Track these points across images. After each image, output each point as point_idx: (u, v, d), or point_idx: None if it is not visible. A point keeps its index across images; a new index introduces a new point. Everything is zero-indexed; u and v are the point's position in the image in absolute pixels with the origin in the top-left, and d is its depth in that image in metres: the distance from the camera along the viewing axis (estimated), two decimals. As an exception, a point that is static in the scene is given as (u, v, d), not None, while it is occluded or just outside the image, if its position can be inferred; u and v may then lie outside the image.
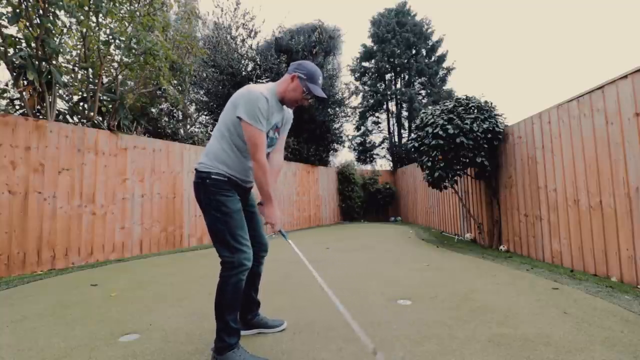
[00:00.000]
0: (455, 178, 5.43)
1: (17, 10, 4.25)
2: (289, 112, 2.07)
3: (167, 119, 9.48)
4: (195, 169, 1.84)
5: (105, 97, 6.14)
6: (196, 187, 1.83)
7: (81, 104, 5.98)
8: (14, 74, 4.55)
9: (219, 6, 11.23)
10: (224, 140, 1.82)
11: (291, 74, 1.87)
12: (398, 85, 14.89)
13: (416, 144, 5.56)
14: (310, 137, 10.90)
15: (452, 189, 5.81)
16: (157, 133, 8.20)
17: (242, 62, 10.24)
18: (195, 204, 6.29)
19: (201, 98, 10.62)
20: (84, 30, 5.15)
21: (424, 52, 14.57)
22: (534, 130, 4.42)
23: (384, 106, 14.85)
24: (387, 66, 14.21)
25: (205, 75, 9.86)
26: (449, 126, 4.96)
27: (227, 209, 1.77)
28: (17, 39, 4.49)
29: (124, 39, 5.31)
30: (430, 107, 5.62)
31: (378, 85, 14.68)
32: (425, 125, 5.36)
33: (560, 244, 3.98)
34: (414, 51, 14.36)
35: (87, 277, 3.77)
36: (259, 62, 10.25)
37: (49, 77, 4.63)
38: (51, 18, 4.58)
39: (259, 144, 1.74)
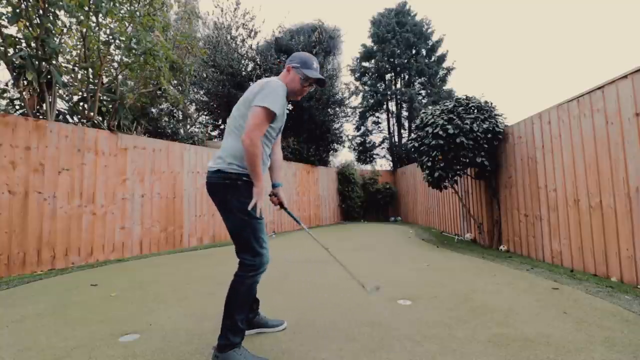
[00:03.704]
0: (455, 178, 5.43)
1: (17, 10, 4.25)
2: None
3: (167, 119, 9.49)
4: (219, 169, 1.78)
5: (105, 97, 6.14)
6: (220, 188, 1.77)
7: (81, 104, 5.98)
8: (14, 74, 4.55)
9: (219, 6, 11.24)
10: None
11: (286, 67, 1.93)
12: (398, 85, 14.88)
13: (416, 144, 5.56)
14: (310, 137, 10.90)
15: (452, 189, 5.81)
16: (157, 133, 8.20)
17: (242, 62, 10.24)
18: (196, 204, 6.31)
19: (201, 98, 10.62)
20: (84, 30, 5.15)
21: (424, 52, 14.55)
22: (534, 130, 4.42)
23: (384, 106, 14.84)
24: (387, 66, 14.19)
25: (205, 75, 9.86)
26: (449, 126, 4.96)
27: (255, 212, 1.75)
28: (17, 39, 4.49)
29: (124, 39, 5.31)
30: (430, 107, 5.62)
31: (378, 85, 14.66)
32: (425, 125, 5.36)
33: (560, 244, 3.98)
34: (414, 51, 14.35)
35: (87, 277, 3.77)
36: (259, 62, 10.25)
37: (49, 77, 4.63)
38: (51, 18, 4.58)
39: (261, 126, 1.71)
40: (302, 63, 1.88)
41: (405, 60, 14.03)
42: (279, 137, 2.10)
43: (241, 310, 1.74)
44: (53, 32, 4.73)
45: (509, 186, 5.04)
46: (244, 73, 10.11)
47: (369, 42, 14.82)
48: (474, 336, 2.01)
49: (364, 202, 11.96)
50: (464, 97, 5.41)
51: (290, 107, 10.03)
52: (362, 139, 15.18)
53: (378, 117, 15.36)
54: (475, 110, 5.15)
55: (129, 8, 5.70)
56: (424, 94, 14.49)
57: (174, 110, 9.72)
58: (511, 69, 39.79)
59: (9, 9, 4.28)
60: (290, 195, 9.21)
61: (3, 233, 3.92)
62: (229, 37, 10.15)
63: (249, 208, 1.72)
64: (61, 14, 4.85)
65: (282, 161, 2.17)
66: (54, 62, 4.74)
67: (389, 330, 2.12)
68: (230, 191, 1.76)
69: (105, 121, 6.12)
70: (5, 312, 2.62)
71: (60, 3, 4.46)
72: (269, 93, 1.74)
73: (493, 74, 34.74)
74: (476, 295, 2.80)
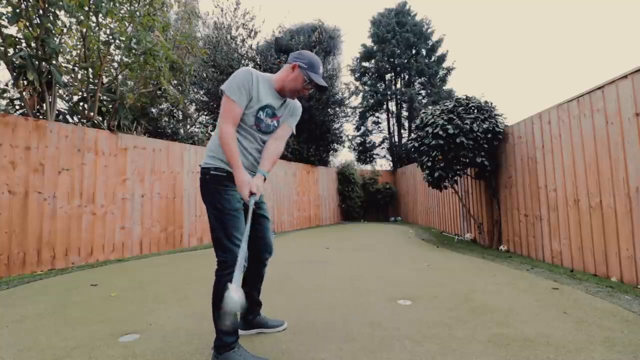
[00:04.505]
0: (455, 178, 5.43)
1: (17, 10, 4.26)
2: (294, 103, 2.00)
3: (167, 119, 9.50)
4: (200, 166, 1.85)
5: (105, 97, 6.14)
6: (200, 184, 1.85)
7: (81, 104, 5.99)
8: (14, 74, 4.55)
9: (219, 6, 11.24)
10: None
11: (292, 64, 1.84)
12: (398, 85, 14.88)
13: (416, 144, 5.56)
14: (310, 137, 10.90)
15: (452, 189, 5.82)
16: (157, 133, 8.21)
17: (242, 62, 10.24)
18: (195, 204, 6.32)
19: (201, 98, 10.62)
20: (84, 30, 5.15)
21: (424, 52, 14.55)
22: (534, 130, 4.41)
23: (384, 106, 14.84)
24: (387, 66, 14.19)
25: (205, 75, 9.86)
26: (449, 126, 4.96)
27: (223, 207, 1.75)
28: (17, 39, 4.49)
29: (124, 39, 5.31)
30: (430, 107, 5.62)
31: (378, 85, 14.66)
32: (425, 125, 5.36)
33: (560, 244, 3.98)
34: (414, 51, 14.35)
35: (87, 277, 3.77)
36: (259, 62, 10.25)
37: (49, 77, 4.63)
38: (51, 18, 4.58)
39: (225, 112, 1.71)
40: (309, 65, 1.82)
41: (405, 60, 14.03)
42: (279, 131, 1.93)
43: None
44: (53, 32, 4.73)
45: (509, 186, 5.04)
46: (244, 73, 10.11)
47: (369, 42, 14.83)
48: (474, 336, 2.00)
49: (364, 202, 11.96)
50: (464, 97, 5.41)
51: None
52: (362, 139, 15.18)
53: (378, 117, 15.37)
54: (475, 110, 5.15)
55: (129, 8, 5.70)
56: (424, 94, 14.49)
57: (174, 110, 9.72)
58: (511, 69, 39.79)
59: (9, 9, 4.28)
60: (290, 195, 9.21)
61: (3, 233, 3.92)
62: (229, 37, 10.15)
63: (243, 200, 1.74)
64: (61, 14, 4.85)
65: (276, 155, 1.94)
66: (54, 62, 4.74)
67: (389, 330, 2.12)
68: (202, 186, 1.82)
69: (105, 121, 6.12)
70: (5, 312, 2.62)
71: (60, 3, 4.46)
72: (232, 80, 1.74)
73: (493, 74, 34.75)
74: (476, 295, 2.80)
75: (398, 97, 14.31)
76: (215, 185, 1.76)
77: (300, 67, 1.81)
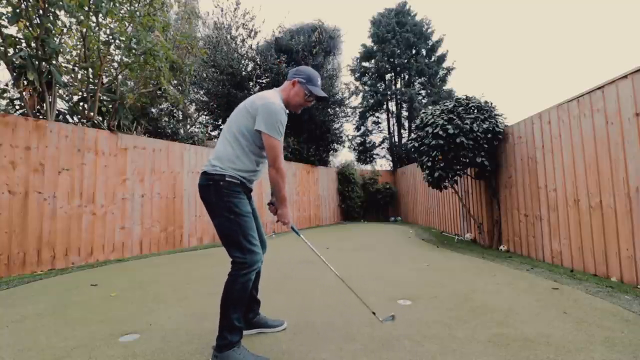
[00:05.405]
0: (455, 178, 5.43)
1: (17, 10, 4.26)
2: None
3: (167, 119, 9.49)
4: (205, 172, 1.86)
5: (105, 97, 6.14)
6: (206, 189, 1.85)
7: (81, 104, 5.99)
8: (14, 74, 4.55)
9: (219, 6, 11.22)
10: (238, 146, 1.86)
11: (291, 80, 1.97)
12: (398, 85, 14.87)
13: (416, 144, 5.56)
14: (310, 137, 10.90)
15: (452, 189, 5.81)
16: (157, 133, 8.21)
17: (242, 62, 10.24)
18: (196, 204, 6.31)
19: (201, 98, 10.62)
20: (84, 30, 5.15)
21: (424, 52, 14.54)
22: (534, 130, 4.42)
23: (384, 106, 14.83)
24: (387, 66, 14.19)
25: (205, 75, 9.85)
26: (449, 126, 4.96)
27: (240, 210, 1.81)
28: (17, 39, 4.49)
29: (124, 39, 5.31)
30: (430, 107, 5.62)
31: (378, 85, 14.66)
32: (425, 125, 5.36)
33: (560, 244, 3.98)
34: (414, 51, 14.34)
35: (87, 277, 3.77)
36: (259, 62, 10.25)
37: (49, 77, 4.63)
38: (51, 18, 4.58)
39: (280, 153, 1.85)
40: (307, 79, 1.95)
41: (405, 60, 14.03)
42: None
43: (236, 309, 1.76)
44: (53, 32, 4.73)
45: (509, 186, 5.04)
46: (244, 73, 10.11)
47: (369, 42, 14.82)
48: (474, 336, 2.01)
49: (364, 202, 11.96)
50: (464, 97, 5.41)
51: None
52: (362, 139, 15.18)
53: (378, 117, 15.36)
54: (475, 110, 5.15)
55: (129, 8, 5.70)
56: (424, 94, 14.49)
57: (174, 110, 9.72)
58: (511, 69, 39.78)
59: (9, 9, 4.28)
60: (290, 195, 9.21)
61: (3, 233, 3.92)
62: (229, 37, 10.14)
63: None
64: (61, 14, 4.85)
65: None
66: (54, 62, 4.73)
67: (389, 330, 2.12)
68: (214, 192, 1.82)
69: (105, 121, 6.12)
70: (5, 312, 2.62)
71: (60, 3, 4.46)
72: (275, 122, 1.80)
73: (493, 74, 34.74)
74: (476, 295, 2.80)
75: (398, 97, 14.31)
76: (230, 190, 1.82)
77: (300, 82, 1.95)
